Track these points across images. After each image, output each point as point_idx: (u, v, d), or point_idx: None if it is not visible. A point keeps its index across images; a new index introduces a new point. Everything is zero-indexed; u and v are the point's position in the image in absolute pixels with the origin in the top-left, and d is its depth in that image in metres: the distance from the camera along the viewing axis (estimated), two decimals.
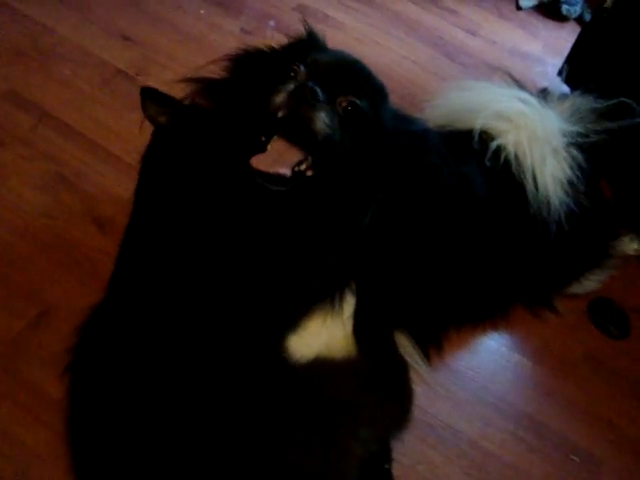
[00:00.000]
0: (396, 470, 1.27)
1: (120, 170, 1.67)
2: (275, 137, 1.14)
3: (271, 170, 1.12)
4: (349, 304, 1.22)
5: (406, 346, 1.34)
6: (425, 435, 1.37)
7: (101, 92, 1.90)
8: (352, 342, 1.24)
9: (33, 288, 1.43)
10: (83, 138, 1.75)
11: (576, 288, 1.66)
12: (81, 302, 1.24)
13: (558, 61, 2.26)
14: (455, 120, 1.51)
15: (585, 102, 1.58)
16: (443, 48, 2.46)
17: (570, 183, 1.44)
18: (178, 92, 1.30)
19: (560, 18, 2.76)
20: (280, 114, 1.10)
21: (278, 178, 1.12)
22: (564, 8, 2.73)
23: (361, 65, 1.24)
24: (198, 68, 1.30)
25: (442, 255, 1.28)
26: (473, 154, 1.41)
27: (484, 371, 1.52)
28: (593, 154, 1.51)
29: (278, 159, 1.13)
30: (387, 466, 1.25)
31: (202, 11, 2.29)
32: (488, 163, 1.40)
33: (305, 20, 1.34)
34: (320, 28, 1.36)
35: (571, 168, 1.45)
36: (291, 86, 1.11)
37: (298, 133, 1.11)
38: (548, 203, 1.39)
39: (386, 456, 1.26)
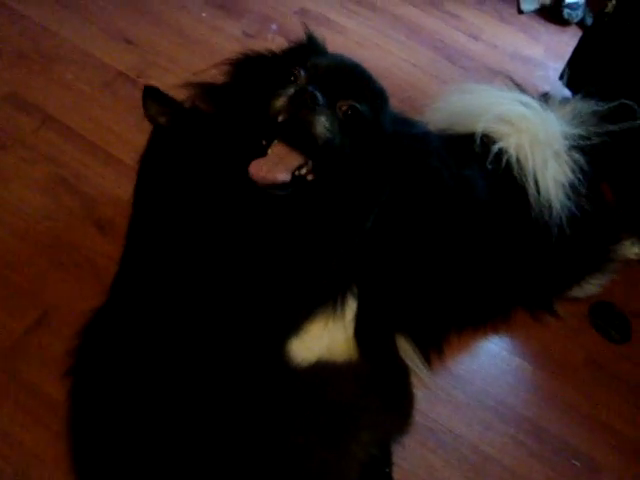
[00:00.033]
0: (396, 474, 1.27)
1: (120, 172, 1.68)
2: (275, 141, 1.14)
3: (272, 174, 1.12)
4: (351, 308, 1.22)
5: (407, 350, 1.34)
6: (425, 439, 1.37)
7: (102, 94, 1.90)
8: (353, 346, 1.24)
9: (33, 290, 1.44)
10: (84, 140, 1.76)
11: (577, 292, 1.66)
12: (81, 304, 1.24)
13: (560, 65, 2.26)
14: (456, 123, 1.51)
15: (586, 105, 1.58)
16: (444, 51, 2.46)
17: (572, 186, 1.44)
18: (179, 96, 1.30)
19: (562, 22, 2.76)
20: (280, 118, 1.10)
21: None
22: (566, 12, 2.73)
23: (361, 69, 1.24)
24: (199, 72, 1.31)
25: (443, 259, 1.28)
26: (474, 157, 1.41)
27: (484, 375, 1.51)
28: (595, 157, 1.51)
29: (278, 163, 1.13)
30: (388, 470, 1.25)
31: (204, 14, 2.29)
32: (489, 166, 1.41)
33: (306, 24, 1.34)
34: (321, 32, 1.36)
35: (573, 171, 1.45)
36: (291, 90, 1.11)
37: (298, 137, 1.12)
38: (550, 206, 1.40)
39: (387, 460, 1.26)
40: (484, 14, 2.74)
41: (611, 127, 1.53)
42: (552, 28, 2.76)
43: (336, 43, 1.37)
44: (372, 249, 1.19)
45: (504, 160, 1.42)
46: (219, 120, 1.24)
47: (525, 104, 1.51)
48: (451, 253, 1.28)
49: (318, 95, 1.09)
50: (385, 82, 1.26)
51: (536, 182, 1.41)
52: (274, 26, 2.32)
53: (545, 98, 1.64)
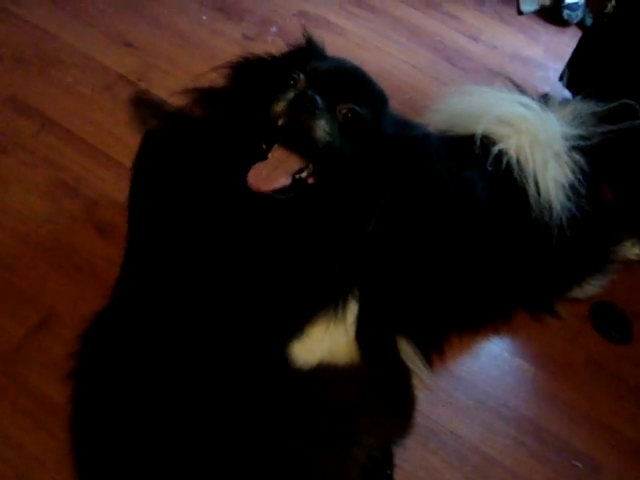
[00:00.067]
0: (398, 475, 1.27)
1: (121, 175, 1.67)
2: (276, 145, 1.14)
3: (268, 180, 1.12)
4: (352, 310, 1.22)
5: (408, 351, 1.34)
6: (426, 440, 1.37)
7: (102, 98, 1.90)
8: (355, 348, 1.24)
9: (34, 293, 1.44)
10: (84, 143, 1.76)
11: (578, 293, 1.66)
12: (82, 307, 1.24)
13: (559, 66, 2.26)
14: (456, 125, 1.52)
15: (586, 106, 1.58)
16: (444, 53, 2.46)
17: (572, 187, 1.44)
18: (179, 100, 1.30)
19: (561, 23, 2.76)
20: (280, 122, 1.11)
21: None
22: (565, 13, 2.73)
23: (361, 72, 1.25)
24: (199, 75, 1.31)
25: (444, 261, 1.28)
26: (474, 159, 1.41)
27: (485, 376, 1.51)
28: (595, 157, 1.51)
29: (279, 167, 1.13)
30: (389, 472, 1.25)
31: (204, 17, 2.29)
32: (490, 168, 1.41)
33: (305, 27, 1.34)
34: (321, 34, 1.36)
35: (573, 172, 1.45)
36: (291, 94, 1.12)
37: (299, 141, 1.12)
38: (550, 208, 1.40)
39: (388, 462, 1.26)
40: (484, 15, 2.74)
41: (611, 127, 1.53)
42: (552, 29, 2.76)
43: (336, 45, 1.37)
44: (373, 252, 1.19)
45: (504, 162, 1.42)
46: (218, 123, 1.24)
47: (525, 105, 1.51)
48: (452, 255, 1.28)
49: (318, 99, 1.10)
50: (385, 84, 1.27)
51: (536, 183, 1.41)
52: (274, 29, 2.32)
53: (545, 99, 1.64)
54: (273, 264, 1.16)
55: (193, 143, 1.24)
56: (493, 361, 1.55)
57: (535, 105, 1.52)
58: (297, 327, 1.19)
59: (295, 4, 2.48)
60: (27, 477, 1.19)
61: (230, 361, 1.12)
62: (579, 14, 2.74)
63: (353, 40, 2.40)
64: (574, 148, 1.48)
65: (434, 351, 1.41)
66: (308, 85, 1.16)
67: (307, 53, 1.30)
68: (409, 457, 1.33)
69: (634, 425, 1.49)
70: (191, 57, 2.10)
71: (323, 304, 1.19)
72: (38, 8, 2.13)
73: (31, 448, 1.22)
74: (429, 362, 1.38)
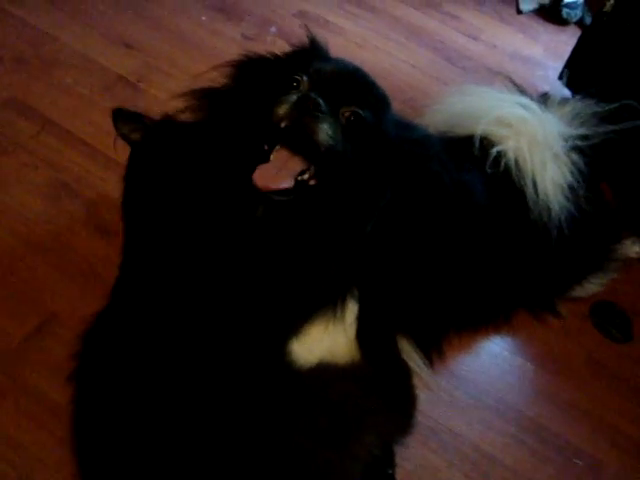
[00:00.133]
0: (398, 474, 1.27)
1: (121, 176, 1.67)
2: (278, 147, 1.14)
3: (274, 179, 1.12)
4: (351, 310, 1.22)
5: (408, 351, 1.34)
6: (427, 439, 1.37)
7: (102, 99, 1.90)
8: (355, 347, 1.24)
9: (35, 294, 1.44)
10: (84, 144, 1.76)
11: (578, 291, 1.66)
12: (83, 308, 1.24)
13: (559, 65, 2.26)
14: (456, 125, 1.51)
15: (586, 106, 1.58)
16: (444, 52, 2.47)
17: (571, 188, 1.44)
18: (179, 102, 1.30)
19: (561, 22, 2.77)
20: (283, 125, 1.11)
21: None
22: (564, 12, 2.74)
23: (364, 75, 1.24)
24: (199, 74, 1.31)
25: (444, 261, 1.28)
26: (474, 161, 1.41)
27: (486, 375, 1.52)
28: (594, 157, 1.51)
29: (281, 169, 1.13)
30: (390, 471, 1.25)
31: (203, 17, 2.30)
32: (489, 170, 1.40)
33: (307, 27, 1.34)
34: (320, 33, 1.36)
35: (572, 173, 1.45)
36: (294, 97, 1.11)
37: (301, 143, 1.12)
38: (548, 208, 1.39)
39: (389, 461, 1.26)
40: (483, 15, 2.75)
41: (611, 127, 1.53)
42: (551, 28, 2.77)
43: (335, 45, 1.37)
44: (373, 252, 1.19)
45: (503, 163, 1.42)
46: (218, 124, 1.24)
47: (524, 106, 1.51)
48: (451, 256, 1.28)
49: (321, 102, 1.09)
50: (385, 83, 1.27)
51: (534, 184, 1.40)
52: (273, 29, 2.33)
53: (544, 98, 1.64)
54: (273, 264, 1.16)
55: (182, 147, 1.24)
56: (493, 360, 1.55)
57: (534, 106, 1.52)
58: (296, 327, 1.19)
59: (295, 4, 2.48)
60: (30, 478, 1.19)
61: (230, 361, 1.12)
62: (578, 13, 2.75)
63: (353, 40, 2.40)
64: (573, 148, 1.48)
65: (435, 350, 1.41)
66: (311, 88, 1.15)
67: (310, 54, 1.29)
68: (410, 456, 1.33)
69: (635, 423, 1.49)
70: (191, 58, 2.10)
71: (321, 304, 1.19)
72: (37, 9, 2.14)
73: (33, 449, 1.22)
74: (430, 361, 1.38)
